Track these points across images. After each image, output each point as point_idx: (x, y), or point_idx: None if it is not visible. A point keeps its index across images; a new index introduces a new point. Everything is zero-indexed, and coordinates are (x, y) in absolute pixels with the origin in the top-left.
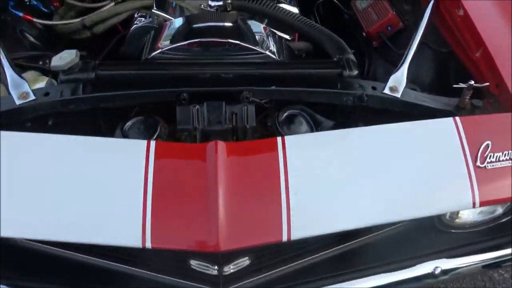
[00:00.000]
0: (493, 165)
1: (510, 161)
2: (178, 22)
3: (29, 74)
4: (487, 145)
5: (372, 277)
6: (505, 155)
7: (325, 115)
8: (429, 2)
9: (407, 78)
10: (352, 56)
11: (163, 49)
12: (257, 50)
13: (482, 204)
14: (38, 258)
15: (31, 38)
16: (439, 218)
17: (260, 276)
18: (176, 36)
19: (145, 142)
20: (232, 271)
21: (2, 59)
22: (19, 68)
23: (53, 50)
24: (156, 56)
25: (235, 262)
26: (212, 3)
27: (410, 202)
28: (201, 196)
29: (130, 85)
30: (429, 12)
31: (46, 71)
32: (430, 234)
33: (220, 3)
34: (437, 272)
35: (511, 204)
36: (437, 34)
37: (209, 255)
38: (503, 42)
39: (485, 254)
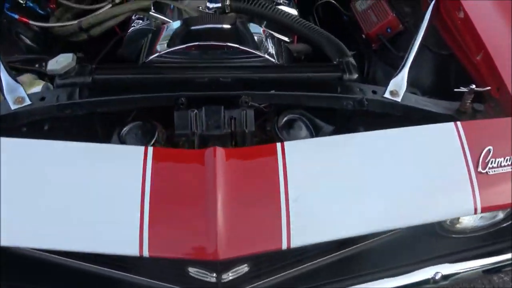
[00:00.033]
0: (494, 171)
1: (511, 167)
2: (176, 24)
3: (25, 77)
4: (489, 150)
5: (372, 283)
6: (506, 160)
7: (325, 119)
8: (430, 4)
9: (407, 82)
10: (352, 59)
11: (161, 53)
12: (256, 53)
13: (484, 210)
14: (38, 265)
15: (27, 41)
16: (439, 223)
17: (259, 283)
18: (174, 39)
19: (142, 148)
20: (230, 278)
21: None
22: (14, 71)
23: (49, 53)
24: (153, 60)
25: (234, 269)
26: (210, 5)
27: (411, 208)
28: (199, 204)
29: (127, 90)
30: (429, 14)
31: (42, 74)
32: (430, 239)
33: (219, 5)
34: (437, 277)
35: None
36: (438, 36)
37: (208, 263)
38: (504, 45)
39: (486, 259)
